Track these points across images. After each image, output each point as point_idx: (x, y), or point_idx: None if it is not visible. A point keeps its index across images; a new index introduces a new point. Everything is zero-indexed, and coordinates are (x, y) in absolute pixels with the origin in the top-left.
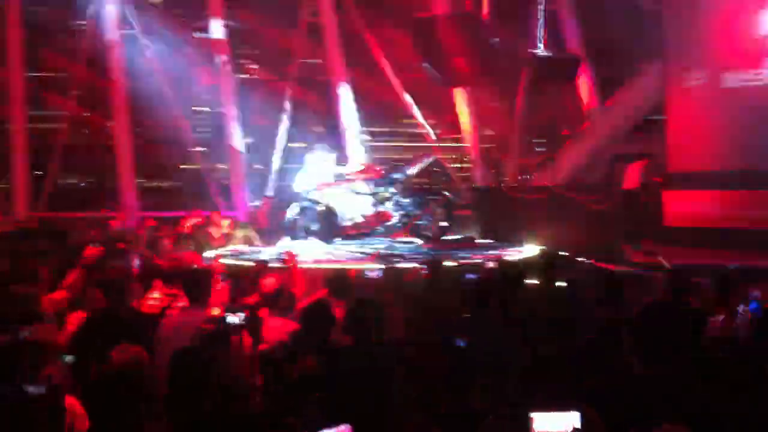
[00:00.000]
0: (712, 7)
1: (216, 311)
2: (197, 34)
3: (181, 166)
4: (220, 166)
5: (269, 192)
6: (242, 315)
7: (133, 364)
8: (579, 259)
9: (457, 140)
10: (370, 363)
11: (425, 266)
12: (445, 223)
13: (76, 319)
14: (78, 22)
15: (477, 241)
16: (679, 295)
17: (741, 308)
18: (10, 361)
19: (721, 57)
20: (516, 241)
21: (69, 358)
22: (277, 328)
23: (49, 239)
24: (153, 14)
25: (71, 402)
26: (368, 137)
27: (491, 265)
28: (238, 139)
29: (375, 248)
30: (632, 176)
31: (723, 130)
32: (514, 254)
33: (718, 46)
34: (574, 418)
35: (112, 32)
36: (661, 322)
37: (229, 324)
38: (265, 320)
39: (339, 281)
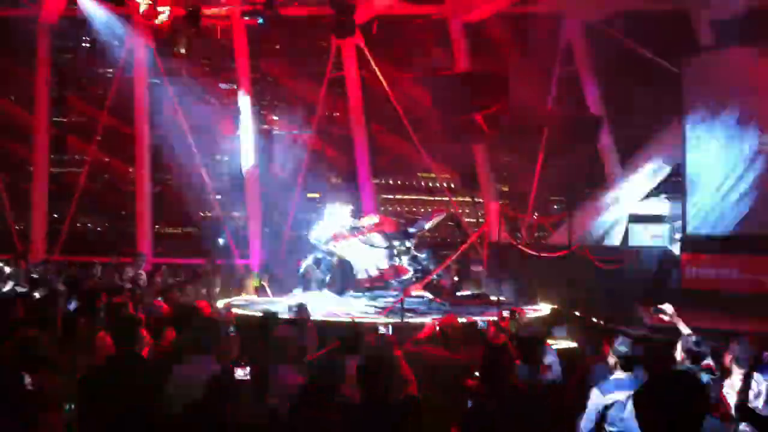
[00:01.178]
0: (731, 72)
1: (225, 363)
2: (223, 85)
3: (200, 214)
4: (237, 214)
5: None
6: (248, 369)
7: None
8: (594, 320)
9: (474, 196)
10: (380, 420)
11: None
12: (458, 279)
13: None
14: (106, 69)
15: (490, 297)
16: (695, 360)
17: (756, 375)
18: (12, 407)
19: (742, 119)
20: (530, 300)
21: (70, 407)
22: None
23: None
24: (180, 63)
25: None
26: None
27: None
28: (256, 188)
29: (388, 302)
30: None
31: (743, 193)
32: (529, 313)
33: (738, 107)
34: None
35: (139, 80)
36: (672, 392)
37: (237, 378)
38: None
39: (351, 336)
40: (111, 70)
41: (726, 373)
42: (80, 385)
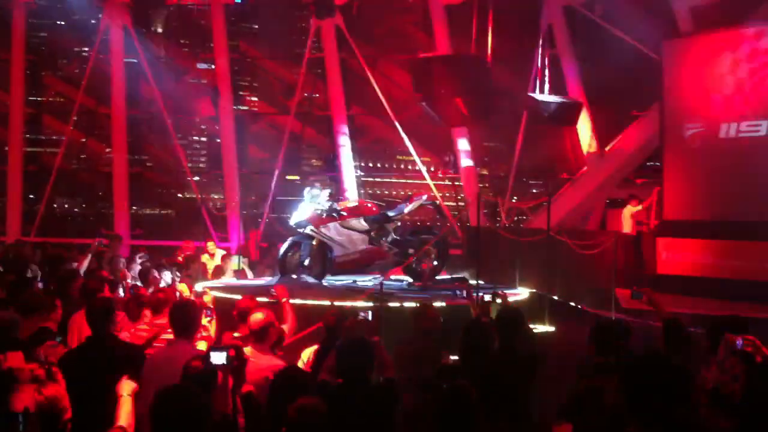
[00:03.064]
0: (711, 58)
1: (203, 347)
2: (200, 65)
3: (177, 195)
4: (215, 196)
5: (259, 224)
6: (226, 354)
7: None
8: (571, 304)
9: (454, 179)
10: (358, 404)
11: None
12: (437, 263)
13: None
14: (82, 48)
15: (469, 281)
16: (675, 345)
17: (729, 359)
18: None
19: (719, 107)
20: (509, 284)
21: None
22: (262, 366)
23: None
24: (157, 43)
25: None
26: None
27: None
28: (234, 170)
29: (367, 286)
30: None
31: (718, 180)
32: (509, 297)
33: (716, 96)
34: None
35: (115, 60)
36: (655, 376)
37: (214, 363)
38: (251, 358)
39: (333, 319)
40: (87, 49)
41: (701, 359)
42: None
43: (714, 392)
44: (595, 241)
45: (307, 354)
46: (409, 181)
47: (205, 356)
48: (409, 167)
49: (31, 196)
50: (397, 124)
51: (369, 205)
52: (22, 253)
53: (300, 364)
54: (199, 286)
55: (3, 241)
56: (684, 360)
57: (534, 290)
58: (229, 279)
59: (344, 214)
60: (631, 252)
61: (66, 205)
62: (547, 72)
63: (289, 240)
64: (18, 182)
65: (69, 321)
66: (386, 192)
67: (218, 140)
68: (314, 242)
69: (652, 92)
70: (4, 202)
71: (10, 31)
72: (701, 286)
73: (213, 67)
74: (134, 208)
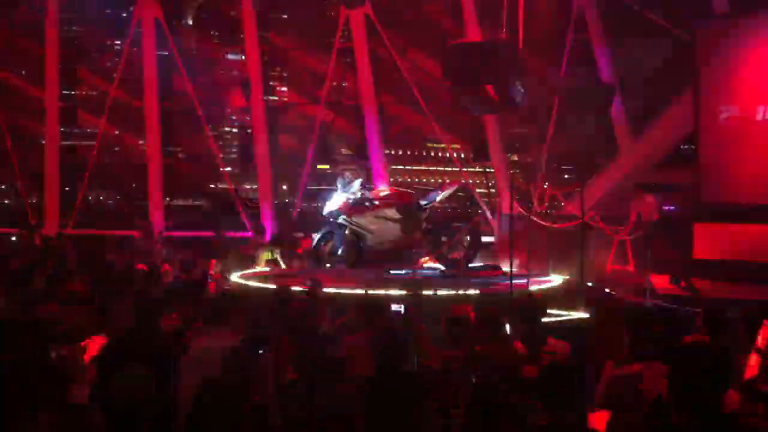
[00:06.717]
0: (747, 40)
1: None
2: (231, 56)
3: (210, 186)
4: (248, 187)
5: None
6: (266, 343)
7: None
8: (606, 290)
9: (485, 166)
10: (397, 392)
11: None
12: (470, 251)
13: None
14: (114, 42)
15: (502, 269)
16: (715, 333)
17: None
18: (36, 381)
19: (755, 89)
20: (542, 271)
21: None
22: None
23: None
24: (188, 35)
25: None
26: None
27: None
28: (266, 160)
29: (401, 274)
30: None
31: (755, 163)
32: (538, 284)
33: (752, 78)
34: None
35: (148, 53)
36: (703, 365)
37: (256, 351)
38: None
39: (367, 308)
40: (119, 43)
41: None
42: (100, 358)
43: (751, 381)
44: (629, 227)
45: None
46: (439, 168)
47: (248, 344)
48: (440, 155)
49: (67, 189)
50: (427, 112)
51: (401, 193)
52: (62, 246)
53: None
54: (235, 276)
55: (42, 234)
56: (724, 347)
57: (568, 276)
58: (263, 269)
59: (376, 203)
60: (666, 237)
61: (101, 198)
62: (579, 57)
63: (323, 230)
64: (55, 176)
65: (108, 313)
66: (417, 180)
67: (249, 131)
68: (347, 231)
69: (686, 75)
70: (42, 196)
71: (44, 25)
72: (739, 271)
73: (243, 58)
74: (167, 199)
